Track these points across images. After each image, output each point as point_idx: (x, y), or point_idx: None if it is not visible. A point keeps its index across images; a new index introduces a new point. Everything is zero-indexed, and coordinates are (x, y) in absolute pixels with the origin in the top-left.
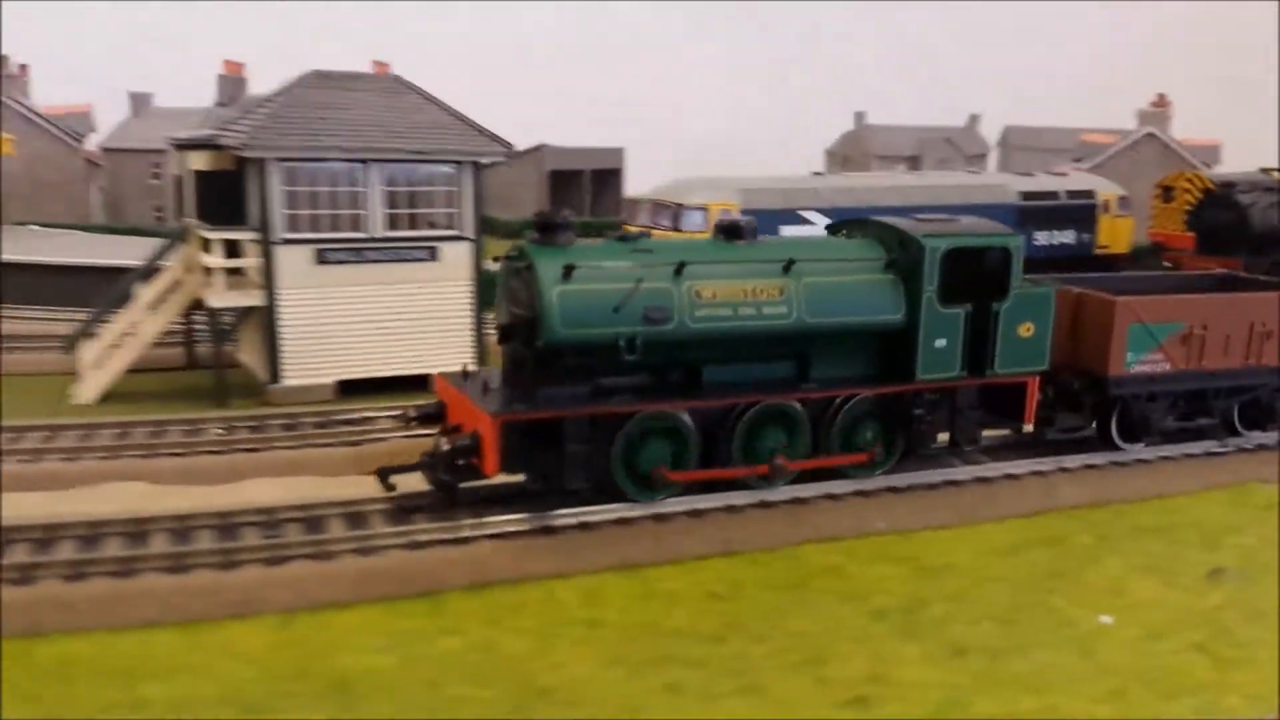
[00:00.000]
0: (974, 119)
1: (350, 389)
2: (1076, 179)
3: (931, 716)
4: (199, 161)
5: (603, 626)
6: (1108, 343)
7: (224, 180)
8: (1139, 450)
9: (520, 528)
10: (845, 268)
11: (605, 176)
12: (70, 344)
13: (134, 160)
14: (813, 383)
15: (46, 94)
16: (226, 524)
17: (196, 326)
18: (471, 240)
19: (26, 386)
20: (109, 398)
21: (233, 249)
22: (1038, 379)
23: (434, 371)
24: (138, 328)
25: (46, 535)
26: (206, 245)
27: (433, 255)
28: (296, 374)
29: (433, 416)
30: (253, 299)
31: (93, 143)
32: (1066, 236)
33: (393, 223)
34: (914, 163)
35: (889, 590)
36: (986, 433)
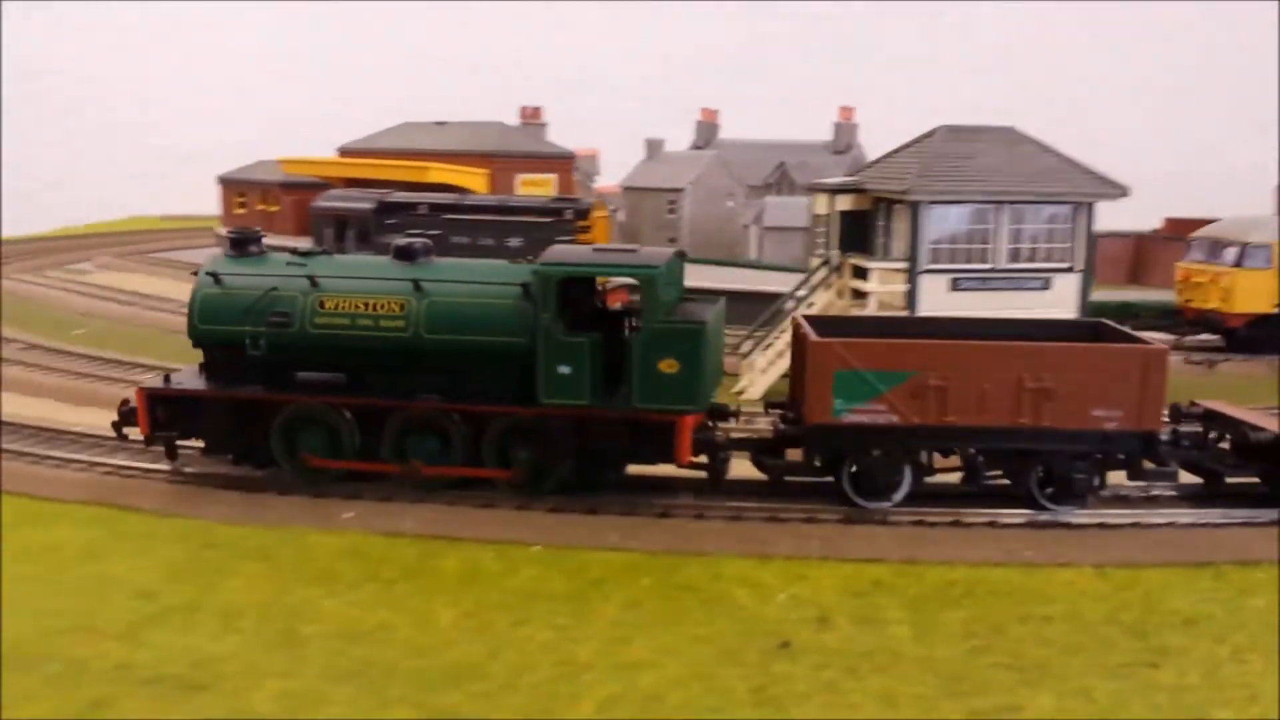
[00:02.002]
0: None
1: None
2: None
3: None
4: (845, 203)
5: None
6: (812, 386)
7: (858, 219)
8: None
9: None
10: (482, 291)
11: None
12: (740, 352)
13: (650, 197)
14: (433, 395)
15: (561, 138)
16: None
17: None
18: (1080, 272)
19: None
20: (766, 395)
21: (863, 276)
22: (690, 416)
23: None
24: None
25: None
26: (856, 273)
27: (1046, 285)
28: None
29: None
30: None
31: (598, 183)
32: None
33: (1014, 256)
34: None
35: None
36: None
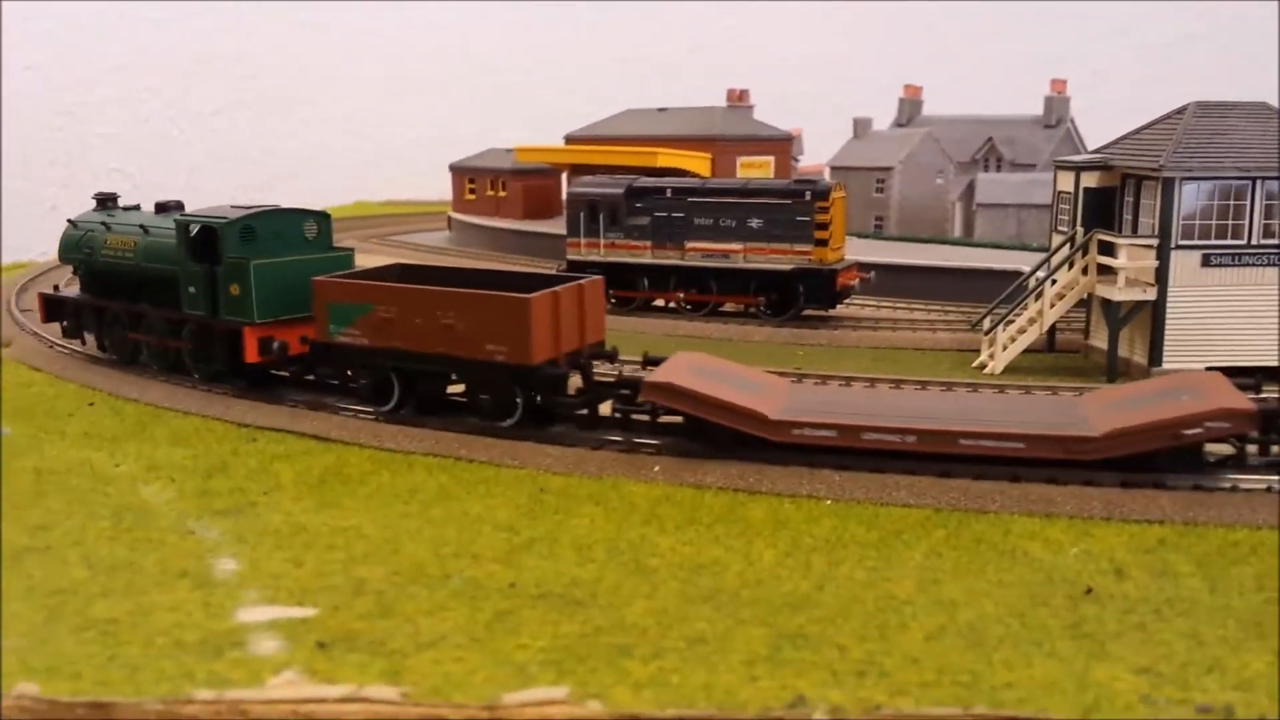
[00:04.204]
0: None
1: None
2: None
3: None
4: (1090, 179)
5: None
6: (317, 313)
7: (1104, 195)
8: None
9: None
10: (169, 233)
11: None
12: (982, 326)
13: (859, 176)
14: (148, 304)
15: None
16: None
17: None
18: None
19: (932, 359)
20: (1007, 370)
21: (1109, 252)
22: (252, 328)
23: None
24: (1041, 316)
25: None
26: (1104, 249)
27: None
28: (1174, 359)
29: None
30: (1146, 295)
31: (802, 162)
32: None
33: (1267, 232)
34: None
35: None
36: None
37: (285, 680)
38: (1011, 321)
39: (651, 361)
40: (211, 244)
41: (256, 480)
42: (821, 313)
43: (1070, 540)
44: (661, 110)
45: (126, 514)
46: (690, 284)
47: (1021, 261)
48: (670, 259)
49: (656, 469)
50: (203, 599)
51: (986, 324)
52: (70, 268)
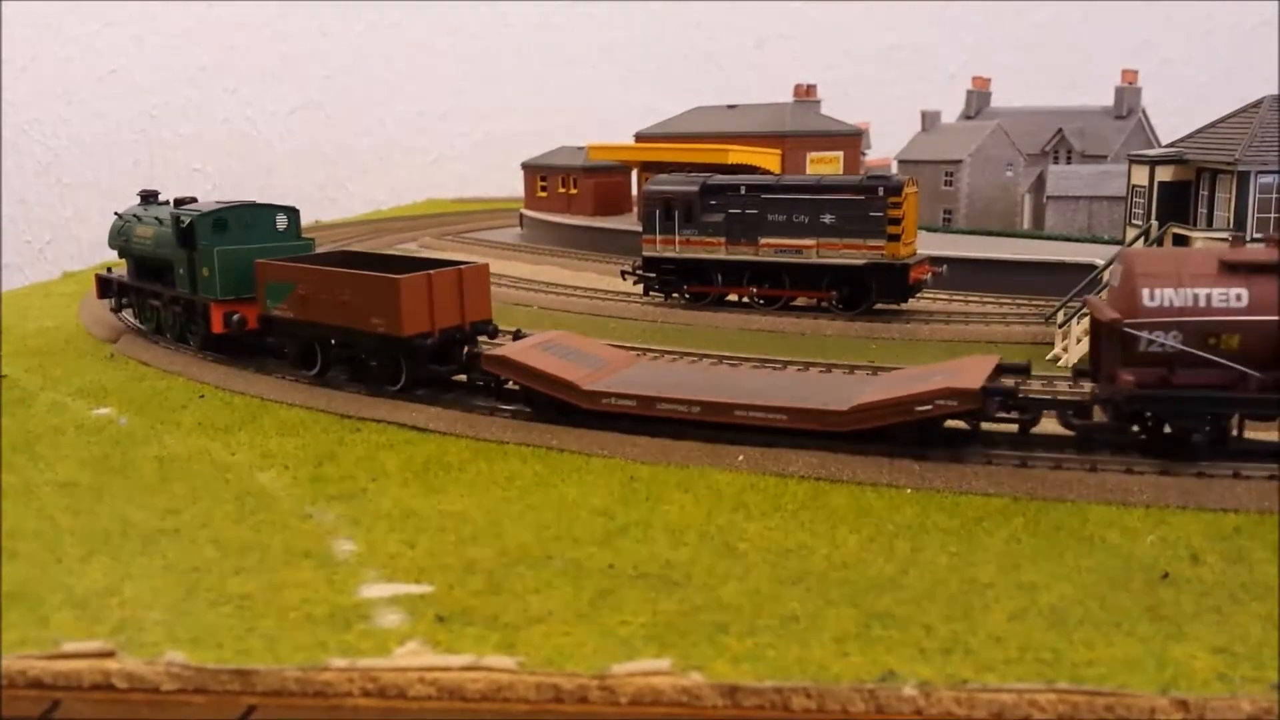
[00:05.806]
0: None
1: None
2: None
3: None
4: (1164, 173)
5: None
6: (259, 290)
7: (1178, 189)
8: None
9: None
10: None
11: None
12: (1056, 320)
13: (927, 170)
14: (159, 283)
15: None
16: None
17: None
18: None
19: (1004, 352)
20: (1080, 362)
21: (1183, 245)
22: (217, 303)
23: None
24: None
25: None
26: (1179, 243)
27: None
28: None
29: None
30: None
31: (869, 156)
32: None
33: None
34: None
35: None
36: None
37: (410, 650)
38: (1085, 315)
39: (520, 337)
40: (191, 233)
41: (364, 468)
42: (893, 307)
43: (1147, 528)
44: (731, 107)
45: (248, 498)
46: (763, 279)
47: (1093, 254)
48: (744, 254)
49: (740, 459)
50: (327, 577)
51: (1060, 317)
52: (116, 253)
